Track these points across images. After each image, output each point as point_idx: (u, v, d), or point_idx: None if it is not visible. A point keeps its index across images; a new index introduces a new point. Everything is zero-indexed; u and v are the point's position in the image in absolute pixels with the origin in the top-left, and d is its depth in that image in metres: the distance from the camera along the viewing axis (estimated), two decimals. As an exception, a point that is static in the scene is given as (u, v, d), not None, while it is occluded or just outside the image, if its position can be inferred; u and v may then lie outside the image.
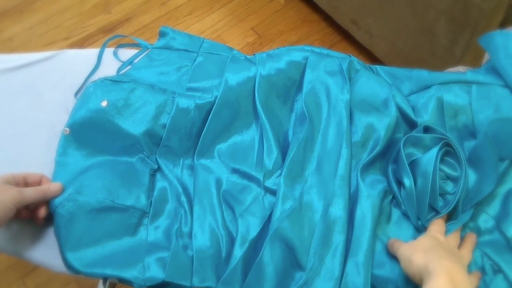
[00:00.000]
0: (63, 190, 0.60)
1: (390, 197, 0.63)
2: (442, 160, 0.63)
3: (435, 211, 0.61)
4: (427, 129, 0.65)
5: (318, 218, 0.61)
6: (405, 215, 0.63)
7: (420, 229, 0.61)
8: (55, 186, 0.60)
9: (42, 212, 0.60)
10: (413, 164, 0.62)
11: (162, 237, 0.61)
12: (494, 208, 0.62)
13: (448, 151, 0.63)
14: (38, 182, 0.61)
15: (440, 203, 0.60)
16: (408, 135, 0.64)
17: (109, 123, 0.65)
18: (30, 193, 0.57)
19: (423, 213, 0.60)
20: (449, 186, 0.62)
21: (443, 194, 0.61)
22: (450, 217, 0.61)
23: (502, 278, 0.57)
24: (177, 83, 0.71)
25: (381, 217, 0.61)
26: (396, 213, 0.63)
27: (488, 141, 0.59)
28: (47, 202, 0.60)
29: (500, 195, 0.62)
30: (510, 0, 0.98)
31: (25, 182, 0.60)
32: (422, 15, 1.14)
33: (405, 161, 0.62)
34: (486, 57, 0.76)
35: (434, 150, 0.61)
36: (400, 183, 0.63)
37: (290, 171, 0.63)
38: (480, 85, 0.68)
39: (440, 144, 0.62)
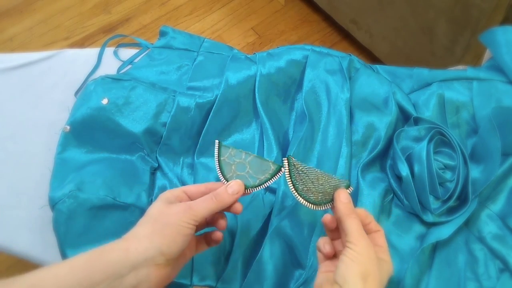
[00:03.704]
0: (241, 188, 0.50)
1: (391, 196, 0.64)
2: (438, 152, 0.63)
3: (440, 200, 0.61)
4: (417, 121, 0.66)
5: (318, 216, 0.61)
6: (406, 213, 0.63)
7: (426, 223, 0.61)
8: (233, 186, 0.49)
9: (222, 223, 0.51)
10: (409, 157, 0.63)
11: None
12: (498, 204, 0.62)
13: (442, 141, 0.63)
14: (202, 194, 0.50)
15: (440, 190, 0.61)
16: (400, 129, 0.65)
17: (109, 121, 0.65)
18: (202, 204, 0.47)
19: (427, 202, 0.60)
20: (448, 175, 0.62)
21: (442, 182, 0.62)
22: (455, 209, 0.61)
23: (508, 276, 0.57)
24: (177, 82, 0.72)
25: (381, 216, 0.61)
26: (396, 212, 0.63)
27: (491, 126, 0.60)
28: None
29: (505, 191, 0.62)
30: (510, 0, 0.98)
31: (187, 196, 0.50)
32: (422, 15, 1.14)
33: (399, 152, 0.62)
34: (486, 57, 0.76)
35: (426, 137, 0.62)
36: (399, 179, 0.63)
37: (290, 170, 0.63)
38: (481, 81, 0.68)
39: (432, 132, 0.62)
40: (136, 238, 0.44)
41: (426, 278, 0.57)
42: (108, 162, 0.65)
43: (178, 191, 0.49)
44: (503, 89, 0.67)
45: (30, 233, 0.62)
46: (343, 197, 0.47)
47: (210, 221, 0.52)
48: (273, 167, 0.52)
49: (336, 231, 0.49)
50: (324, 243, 0.48)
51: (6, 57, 0.76)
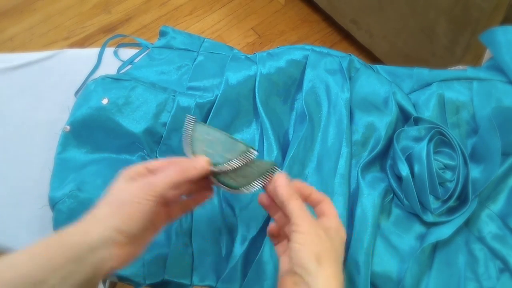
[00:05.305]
0: (205, 163, 0.48)
1: (391, 196, 0.64)
2: (438, 152, 0.63)
3: (440, 200, 0.61)
4: (417, 121, 0.66)
5: (318, 217, 0.61)
6: (406, 213, 0.63)
7: (426, 223, 0.61)
8: (198, 159, 0.48)
9: (209, 194, 0.52)
10: (409, 157, 0.63)
11: (162, 235, 0.61)
12: (498, 204, 0.62)
13: (442, 141, 0.63)
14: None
15: (440, 190, 0.61)
16: (400, 129, 0.65)
17: (109, 121, 0.65)
18: (162, 177, 0.46)
19: (427, 202, 0.60)
20: (448, 175, 0.62)
21: (443, 182, 0.62)
22: (455, 209, 0.61)
23: (508, 276, 0.57)
24: (177, 82, 0.72)
25: (381, 216, 0.61)
26: (396, 212, 0.63)
27: (491, 126, 0.60)
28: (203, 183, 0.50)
29: (505, 191, 0.62)
30: (510, 0, 0.98)
31: (149, 172, 0.48)
32: (422, 15, 1.14)
33: (399, 152, 0.62)
34: (486, 57, 0.76)
35: (426, 137, 0.62)
36: (399, 179, 0.63)
37: (290, 170, 0.63)
38: (481, 81, 0.68)
39: (432, 132, 0.63)
40: (94, 219, 0.44)
41: (426, 278, 0.57)
42: (108, 162, 0.65)
43: (140, 167, 0.48)
44: (503, 89, 0.67)
45: (30, 233, 0.62)
46: (281, 181, 0.46)
47: (195, 192, 0.52)
48: (242, 148, 0.50)
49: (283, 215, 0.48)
50: (269, 228, 0.50)
51: (6, 57, 0.76)
